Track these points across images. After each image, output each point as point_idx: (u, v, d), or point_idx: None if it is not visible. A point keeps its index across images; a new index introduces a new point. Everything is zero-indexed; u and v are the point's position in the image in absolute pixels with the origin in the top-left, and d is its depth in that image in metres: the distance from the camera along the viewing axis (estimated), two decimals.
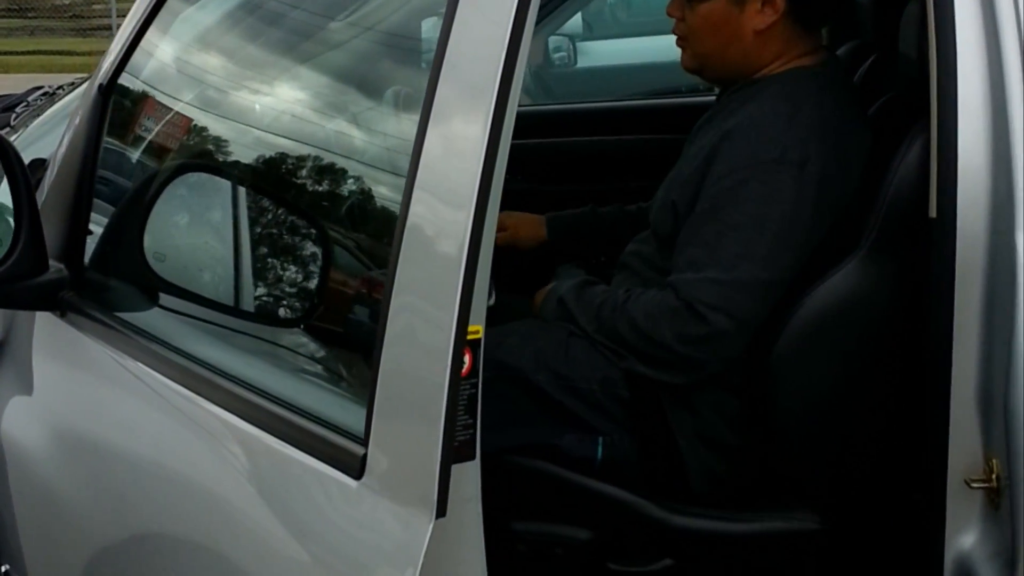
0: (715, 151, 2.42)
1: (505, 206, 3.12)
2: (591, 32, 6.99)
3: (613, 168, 3.78)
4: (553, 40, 6.11)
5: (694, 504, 2.45)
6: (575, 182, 3.82)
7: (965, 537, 1.97)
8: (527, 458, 2.48)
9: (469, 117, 1.45)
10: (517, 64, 1.44)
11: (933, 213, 1.99)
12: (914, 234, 2.11)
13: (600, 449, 2.49)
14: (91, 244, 2.31)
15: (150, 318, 2.18)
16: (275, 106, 2.33)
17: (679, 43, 2.61)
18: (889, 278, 2.29)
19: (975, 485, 1.94)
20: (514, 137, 3.90)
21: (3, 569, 2.40)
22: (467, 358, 1.44)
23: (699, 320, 2.32)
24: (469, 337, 1.42)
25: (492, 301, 2.79)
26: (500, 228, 3.10)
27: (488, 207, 1.41)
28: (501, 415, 2.47)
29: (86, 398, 2.21)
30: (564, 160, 3.91)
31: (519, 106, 4.36)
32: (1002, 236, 1.90)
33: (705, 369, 2.39)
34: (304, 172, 2.16)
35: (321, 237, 2.05)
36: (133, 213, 2.21)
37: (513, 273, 3.15)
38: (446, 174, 1.46)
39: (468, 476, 1.48)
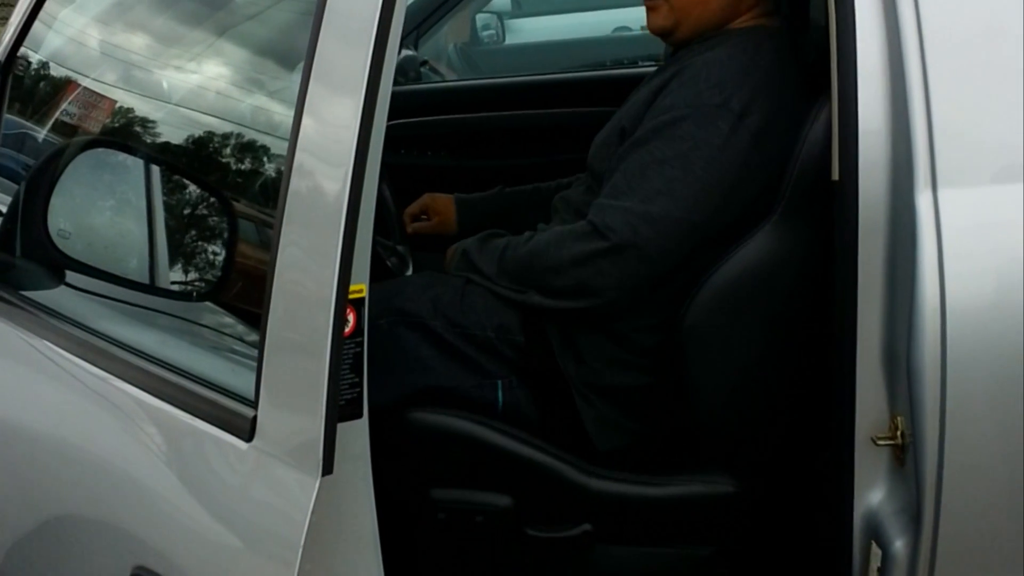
0: (665, 86, 2.42)
1: (431, 182, 3.18)
2: (520, 9, 6.98)
3: (540, 142, 3.78)
4: (481, 18, 6.09)
5: (606, 462, 2.46)
6: (501, 157, 3.81)
7: (872, 493, 2.00)
8: (442, 415, 2.47)
9: (347, 75, 1.45)
10: (394, 15, 1.44)
11: (836, 176, 2.01)
12: (821, 198, 2.12)
13: (500, 393, 2.50)
14: None
15: (55, 296, 2.16)
16: (182, 80, 2.32)
17: (649, 3, 2.58)
18: (799, 243, 2.30)
19: (881, 442, 1.96)
20: (441, 112, 3.91)
21: None
22: (351, 317, 1.45)
23: (602, 240, 2.32)
24: (352, 296, 1.42)
25: (409, 271, 2.81)
26: (426, 214, 3.14)
27: (367, 164, 1.40)
28: (401, 361, 2.48)
29: None
30: (490, 135, 3.89)
31: (446, 81, 4.36)
32: (902, 197, 1.92)
33: (602, 296, 2.37)
34: (210, 147, 2.15)
35: (227, 211, 2.04)
36: (36, 191, 2.20)
37: (428, 242, 3.15)
38: (325, 132, 1.46)
39: (355, 434, 1.48)
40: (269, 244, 1.79)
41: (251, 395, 1.54)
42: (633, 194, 2.33)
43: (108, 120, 2.28)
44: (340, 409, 1.43)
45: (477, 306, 2.50)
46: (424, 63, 5.00)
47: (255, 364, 1.56)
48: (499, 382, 2.49)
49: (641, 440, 2.49)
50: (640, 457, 2.49)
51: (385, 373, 2.41)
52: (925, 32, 1.90)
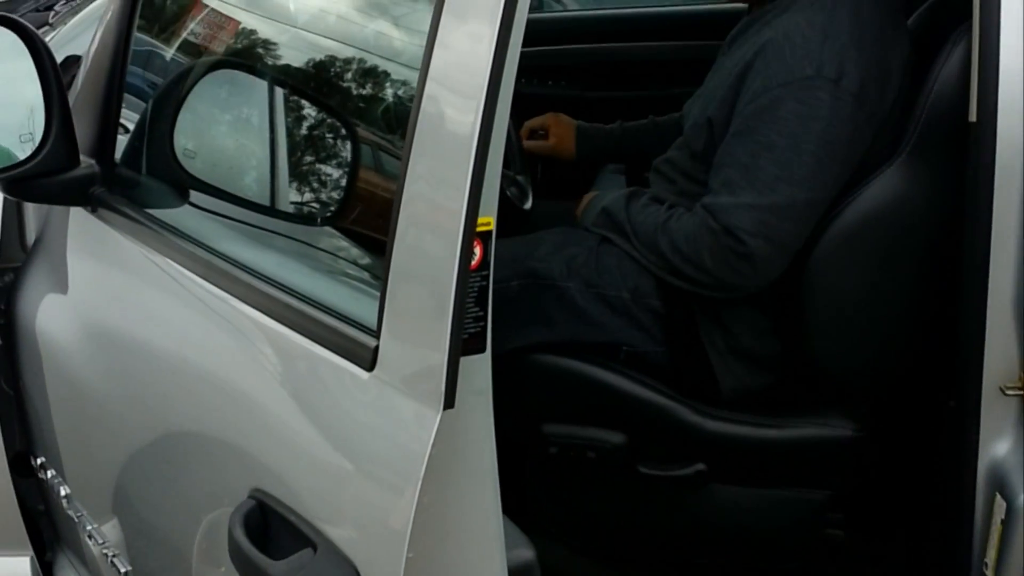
0: (748, 67, 2.36)
1: (551, 112, 3.16)
2: None
3: (661, 74, 3.75)
4: None
5: (725, 404, 2.45)
6: (622, 88, 3.79)
7: (999, 444, 1.97)
8: (558, 356, 2.48)
9: (481, 5, 1.42)
10: None
11: (973, 117, 1.96)
12: (954, 139, 2.07)
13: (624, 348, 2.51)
14: (123, 141, 2.31)
15: (179, 214, 2.18)
16: (311, 3, 2.31)
17: None
18: (927, 183, 2.26)
19: (1010, 392, 1.93)
20: (562, 42, 3.90)
21: (39, 462, 2.43)
22: (478, 250, 1.43)
23: (739, 245, 2.29)
24: (479, 229, 1.40)
25: (529, 205, 2.80)
26: (544, 131, 3.13)
27: (499, 99, 1.38)
28: (528, 318, 2.48)
29: (116, 293, 2.23)
30: (611, 66, 3.87)
31: (568, 11, 4.33)
32: None
33: (742, 291, 2.37)
34: (337, 72, 2.14)
35: (351, 136, 2.03)
36: (164, 110, 2.21)
37: (551, 179, 3.14)
38: (458, 64, 1.44)
39: (478, 369, 1.47)
40: (392, 170, 1.79)
41: (373, 324, 1.53)
42: (752, 187, 2.29)
43: (234, 41, 2.27)
44: (464, 342, 1.41)
45: (611, 266, 2.49)
46: None
47: (376, 292, 1.56)
48: (624, 349, 2.49)
49: (766, 388, 2.47)
50: (760, 400, 2.47)
51: (509, 327, 2.42)
52: None
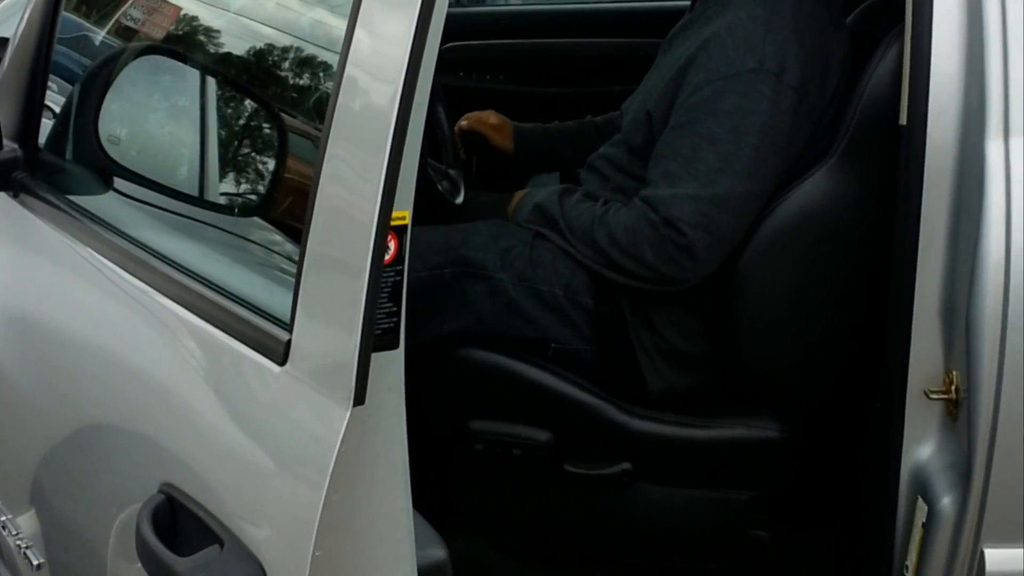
0: (691, 61, 2.37)
1: (489, 106, 3.15)
2: None
3: (600, 71, 3.74)
4: None
5: (653, 404, 2.45)
6: (561, 84, 3.78)
7: (922, 447, 1.97)
8: (486, 351, 2.46)
9: None
10: None
11: (903, 120, 1.96)
12: (885, 141, 2.08)
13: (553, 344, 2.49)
14: (49, 126, 2.28)
15: (102, 202, 2.15)
16: None
17: None
18: (858, 184, 2.26)
19: (934, 396, 1.93)
20: (502, 36, 3.87)
21: None
22: (392, 244, 1.41)
23: (679, 236, 2.29)
24: (394, 223, 1.39)
25: (460, 200, 2.78)
26: (478, 127, 3.11)
27: (418, 83, 1.36)
28: (459, 308, 2.46)
29: (35, 281, 2.19)
30: (550, 61, 3.86)
31: (509, 5, 4.31)
32: (971, 145, 1.87)
33: (680, 285, 2.37)
34: (266, 60, 2.11)
35: (278, 126, 2.01)
36: (89, 94, 2.18)
37: (485, 173, 3.13)
38: (376, 48, 1.42)
39: (390, 365, 1.45)
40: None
41: (287, 318, 1.52)
42: (692, 179, 2.29)
43: (163, 26, 2.24)
44: (376, 338, 1.40)
45: (546, 261, 2.48)
46: None
47: (291, 285, 1.54)
48: (553, 345, 2.48)
49: (694, 389, 2.47)
50: (687, 400, 2.46)
51: (439, 314, 2.41)
52: None
